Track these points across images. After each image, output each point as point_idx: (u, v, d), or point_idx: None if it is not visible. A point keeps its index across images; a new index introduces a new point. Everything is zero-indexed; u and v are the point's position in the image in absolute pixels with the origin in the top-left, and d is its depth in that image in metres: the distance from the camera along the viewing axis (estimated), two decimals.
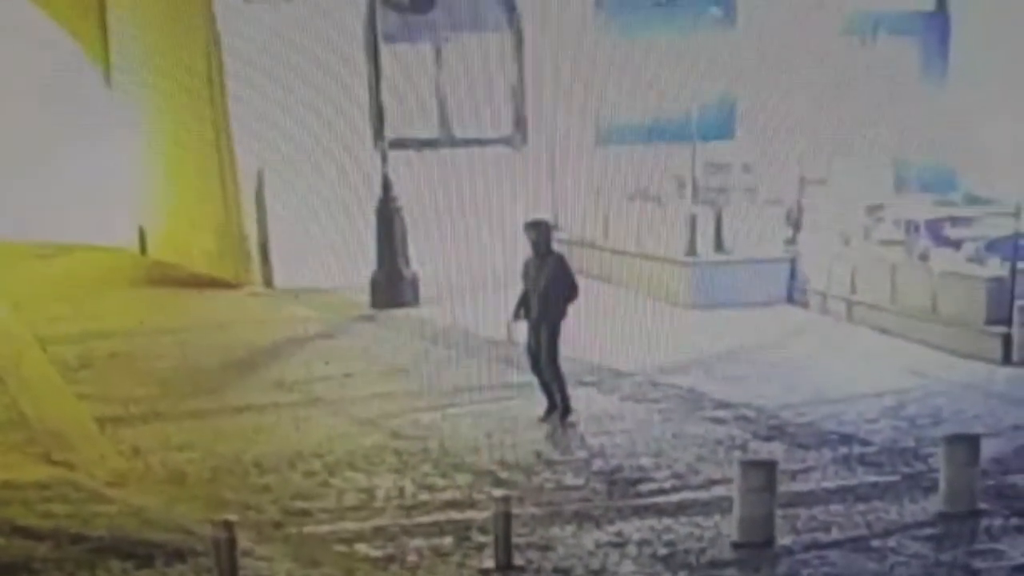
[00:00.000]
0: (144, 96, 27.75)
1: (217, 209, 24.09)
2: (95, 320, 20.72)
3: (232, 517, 10.35)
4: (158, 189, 27.41)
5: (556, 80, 24.01)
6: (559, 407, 14.52)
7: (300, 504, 12.06)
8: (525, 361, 14.59)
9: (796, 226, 21.52)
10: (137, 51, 27.46)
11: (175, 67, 26.01)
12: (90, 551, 10.86)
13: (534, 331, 14.38)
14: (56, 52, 28.51)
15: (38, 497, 12.21)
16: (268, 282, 23.06)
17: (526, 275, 14.39)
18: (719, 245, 21.36)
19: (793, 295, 20.82)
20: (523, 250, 22.81)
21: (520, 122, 24.61)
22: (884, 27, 23.64)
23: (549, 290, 14.21)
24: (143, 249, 28.01)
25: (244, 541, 10.49)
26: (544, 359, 14.38)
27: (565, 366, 16.34)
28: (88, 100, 29.02)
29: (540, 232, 14.46)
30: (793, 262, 20.96)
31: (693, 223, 21.19)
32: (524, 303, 14.37)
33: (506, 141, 24.54)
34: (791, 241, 21.36)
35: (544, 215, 23.14)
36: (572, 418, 14.46)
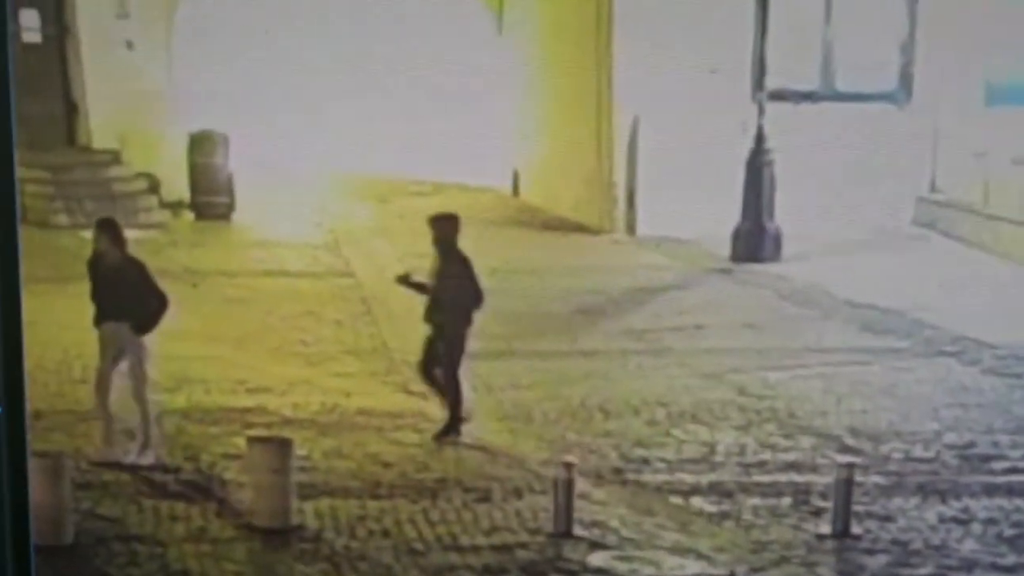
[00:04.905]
0: (532, 43, 28.21)
1: (589, 156, 24.31)
2: None
3: (573, 459, 10.49)
4: (536, 133, 27.85)
5: (949, 35, 23.16)
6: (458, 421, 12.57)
7: (640, 452, 12.13)
8: (880, 325, 14.15)
9: None
10: None
11: (565, 14, 26.35)
12: (434, 481, 11.22)
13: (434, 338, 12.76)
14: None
15: (391, 425, 12.67)
16: (631, 230, 23.15)
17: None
18: None
19: None
20: (893, 212, 22.43)
21: (906, 78, 23.84)
22: None
23: (453, 295, 12.73)
24: (516, 191, 28.55)
25: (582, 484, 10.64)
26: (444, 369, 12.68)
27: (926, 333, 15.93)
28: (481, 45, 29.73)
29: (449, 228, 12.76)
30: None
31: None
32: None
33: (889, 97, 23.84)
34: None
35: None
36: (456, 438, 12.45)
